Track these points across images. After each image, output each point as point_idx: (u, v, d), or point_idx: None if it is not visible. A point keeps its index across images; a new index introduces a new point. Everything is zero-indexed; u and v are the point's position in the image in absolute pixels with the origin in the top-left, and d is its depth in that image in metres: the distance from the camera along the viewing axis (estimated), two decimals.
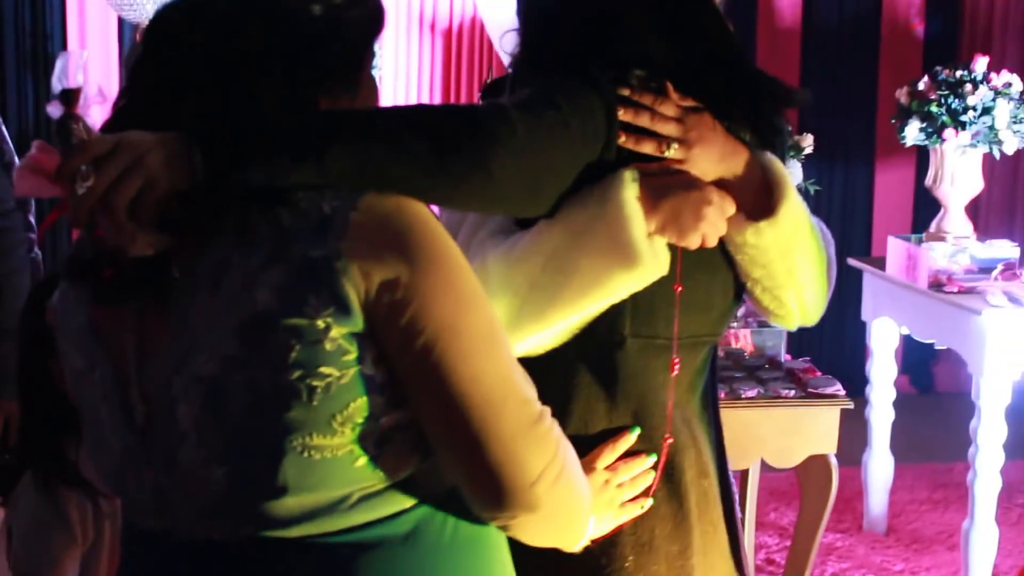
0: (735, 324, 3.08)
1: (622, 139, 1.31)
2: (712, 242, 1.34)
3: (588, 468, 1.33)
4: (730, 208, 1.35)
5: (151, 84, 1.17)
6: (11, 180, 2.31)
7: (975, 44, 5.01)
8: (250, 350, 1.08)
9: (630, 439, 1.41)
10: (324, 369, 1.08)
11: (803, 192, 3.82)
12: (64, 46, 4.59)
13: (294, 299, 1.07)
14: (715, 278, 1.42)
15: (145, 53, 1.20)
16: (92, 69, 4.59)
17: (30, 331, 1.96)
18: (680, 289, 1.40)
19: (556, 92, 1.30)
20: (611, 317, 1.33)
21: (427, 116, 1.27)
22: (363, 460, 1.11)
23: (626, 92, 1.31)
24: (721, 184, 1.36)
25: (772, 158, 1.39)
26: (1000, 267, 3.31)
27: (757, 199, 1.36)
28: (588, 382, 1.41)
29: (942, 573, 3.61)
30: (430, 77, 5.16)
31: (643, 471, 1.41)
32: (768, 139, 1.44)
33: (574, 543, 1.27)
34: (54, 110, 3.63)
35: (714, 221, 1.34)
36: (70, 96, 3.48)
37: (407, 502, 1.13)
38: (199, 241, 1.10)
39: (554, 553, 1.26)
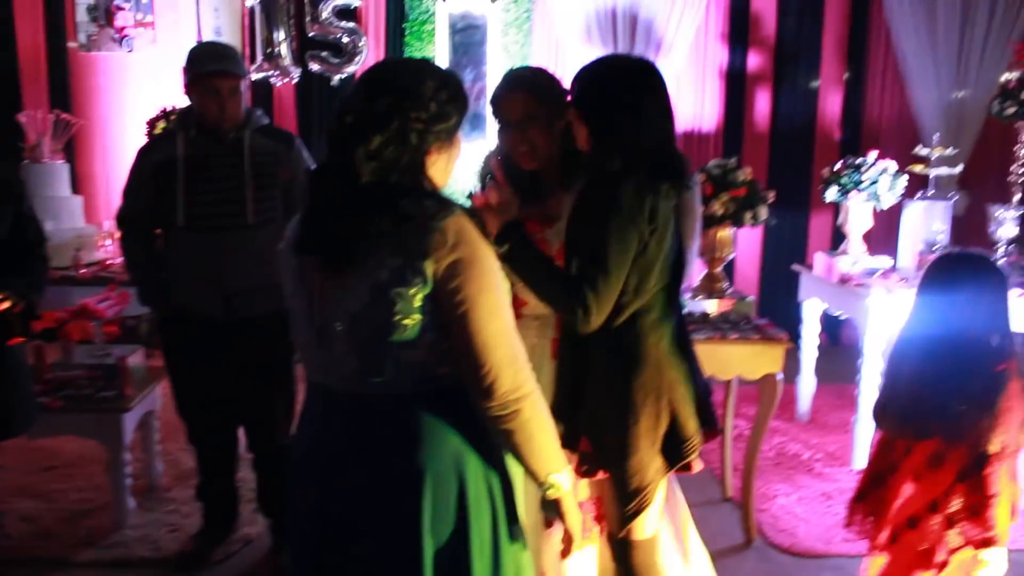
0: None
1: None
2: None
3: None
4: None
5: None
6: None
7: (871, 143, 5.91)
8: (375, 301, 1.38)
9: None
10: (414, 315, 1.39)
11: (767, 225, 4.27)
12: None
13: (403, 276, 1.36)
14: None
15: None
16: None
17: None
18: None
19: None
20: None
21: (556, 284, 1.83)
22: (420, 362, 1.43)
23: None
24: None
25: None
26: (880, 271, 4.03)
27: None
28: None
29: (839, 446, 4.27)
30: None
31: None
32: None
33: (543, 470, 1.44)
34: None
35: None
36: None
37: (430, 385, 1.45)
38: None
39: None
